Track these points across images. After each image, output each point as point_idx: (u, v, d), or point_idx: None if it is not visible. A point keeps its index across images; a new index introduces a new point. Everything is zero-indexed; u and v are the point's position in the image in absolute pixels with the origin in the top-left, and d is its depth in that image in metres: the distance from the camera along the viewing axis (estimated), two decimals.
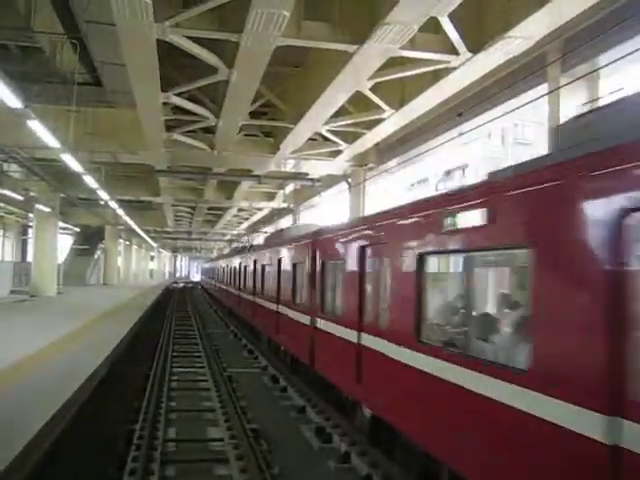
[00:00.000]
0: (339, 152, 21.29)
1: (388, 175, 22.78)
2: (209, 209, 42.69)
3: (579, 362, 4.52)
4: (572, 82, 10.10)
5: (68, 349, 13.00)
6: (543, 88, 11.81)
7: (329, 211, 32.10)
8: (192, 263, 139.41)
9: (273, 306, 17.03)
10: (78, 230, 51.89)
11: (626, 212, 4.15)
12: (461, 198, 6.38)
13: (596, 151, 4.56)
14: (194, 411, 11.80)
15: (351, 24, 11.65)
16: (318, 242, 12.51)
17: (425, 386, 6.85)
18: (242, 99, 15.36)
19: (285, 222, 39.38)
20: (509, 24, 10.52)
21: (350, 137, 19.92)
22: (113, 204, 29.31)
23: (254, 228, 50.20)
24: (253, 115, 18.75)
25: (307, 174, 25.72)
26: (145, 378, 14.25)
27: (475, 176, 35.15)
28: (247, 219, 49.08)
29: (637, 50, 7.96)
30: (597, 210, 4.40)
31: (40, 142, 15.09)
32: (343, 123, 18.22)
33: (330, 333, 11.02)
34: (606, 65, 10.08)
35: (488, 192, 5.96)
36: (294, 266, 14.69)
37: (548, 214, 4.94)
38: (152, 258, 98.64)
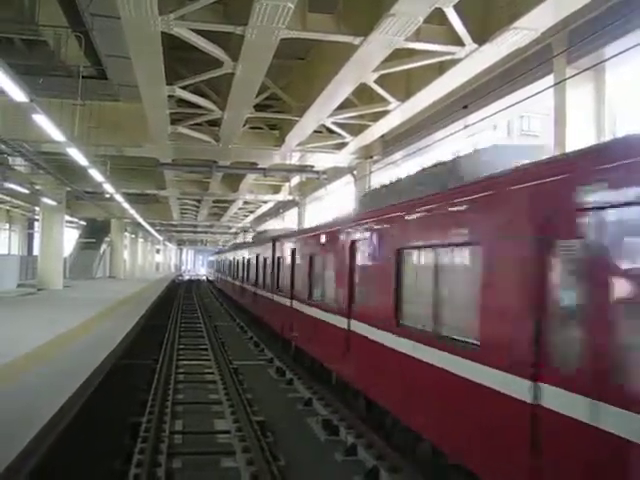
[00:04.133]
0: (344, 144, 21.25)
1: (394, 167, 22.71)
2: (214, 202, 42.70)
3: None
4: (578, 74, 10.04)
5: (78, 340, 13.05)
6: (549, 80, 11.75)
7: (335, 204, 32.05)
8: (197, 256, 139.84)
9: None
10: (84, 223, 52.05)
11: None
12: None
13: None
14: (201, 404, 11.86)
15: (356, 16, 11.60)
16: None
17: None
18: (247, 92, 15.33)
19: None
20: (515, 15, 10.45)
21: (355, 129, 19.87)
22: (119, 197, 29.34)
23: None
24: (258, 108, 18.71)
25: (312, 167, 25.69)
26: (151, 371, 14.32)
27: None
28: (253, 212, 49.10)
29: None
30: None
31: (45, 136, 15.10)
32: (348, 115, 18.17)
33: None
34: (612, 57, 10.02)
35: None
36: None
37: None
38: (158, 251, 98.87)
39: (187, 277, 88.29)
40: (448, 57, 12.61)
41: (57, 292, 29.15)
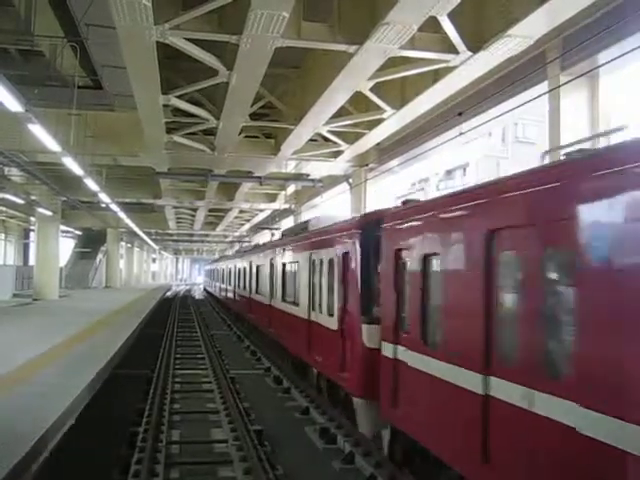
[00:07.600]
0: (340, 152, 21.28)
1: (389, 175, 22.76)
2: (210, 211, 42.66)
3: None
4: (572, 80, 10.09)
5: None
6: (543, 86, 11.80)
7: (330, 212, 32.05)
8: (194, 265, 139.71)
9: None
10: (80, 233, 52.00)
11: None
12: None
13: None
14: (198, 413, 11.83)
15: (350, 24, 11.64)
16: None
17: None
18: (242, 101, 15.36)
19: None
20: (509, 23, 10.50)
21: (351, 137, 19.90)
22: (114, 207, 29.32)
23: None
24: (253, 116, 18.74)
25: (308, 175, 25.71)
26: (148, 380, 14.29)
27: (476, 174, 35.21)
28: (248, 220, 49.10)
29: (636, 48, 7.96)
30: None
31: (41, 146, 15.10)
32: (343, 123, 18.20)
33: None
34: (606, 63, 10.08)
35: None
36: None
37: None
38: (154, 260, 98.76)
39: (181, 288, 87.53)
40: (443, 65, 12.65)
41: (53, 302, 29.08)
